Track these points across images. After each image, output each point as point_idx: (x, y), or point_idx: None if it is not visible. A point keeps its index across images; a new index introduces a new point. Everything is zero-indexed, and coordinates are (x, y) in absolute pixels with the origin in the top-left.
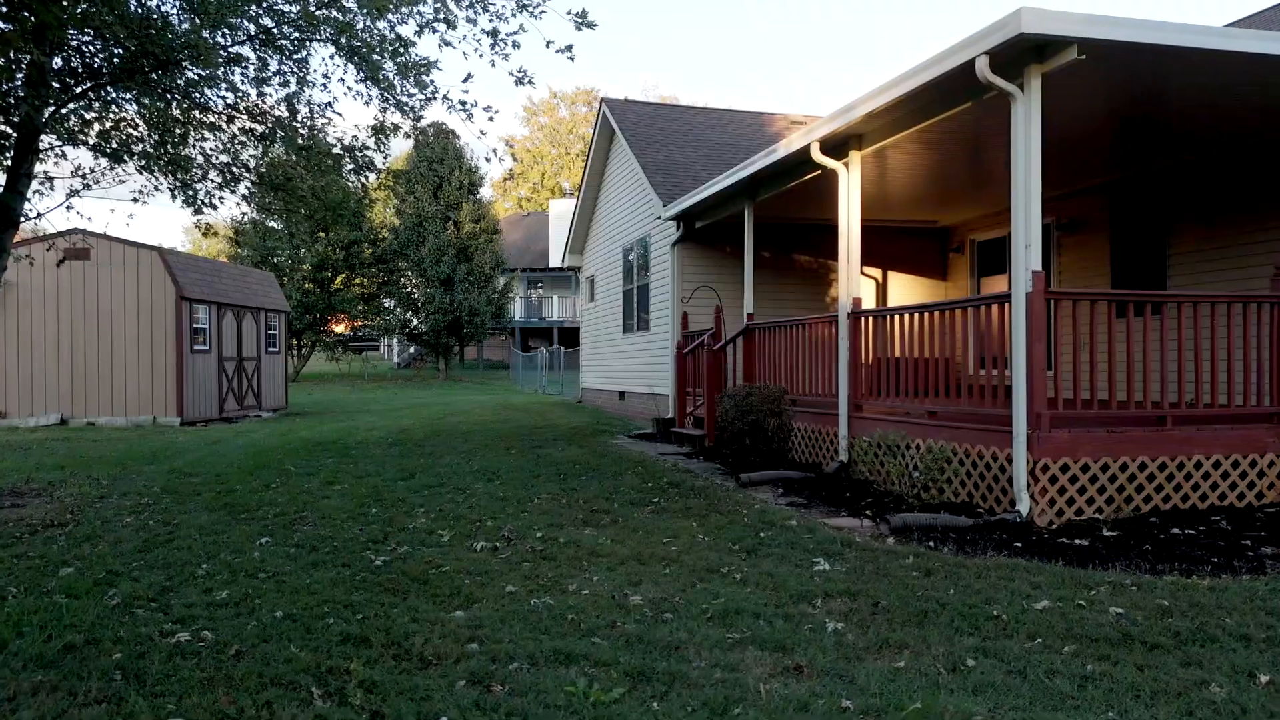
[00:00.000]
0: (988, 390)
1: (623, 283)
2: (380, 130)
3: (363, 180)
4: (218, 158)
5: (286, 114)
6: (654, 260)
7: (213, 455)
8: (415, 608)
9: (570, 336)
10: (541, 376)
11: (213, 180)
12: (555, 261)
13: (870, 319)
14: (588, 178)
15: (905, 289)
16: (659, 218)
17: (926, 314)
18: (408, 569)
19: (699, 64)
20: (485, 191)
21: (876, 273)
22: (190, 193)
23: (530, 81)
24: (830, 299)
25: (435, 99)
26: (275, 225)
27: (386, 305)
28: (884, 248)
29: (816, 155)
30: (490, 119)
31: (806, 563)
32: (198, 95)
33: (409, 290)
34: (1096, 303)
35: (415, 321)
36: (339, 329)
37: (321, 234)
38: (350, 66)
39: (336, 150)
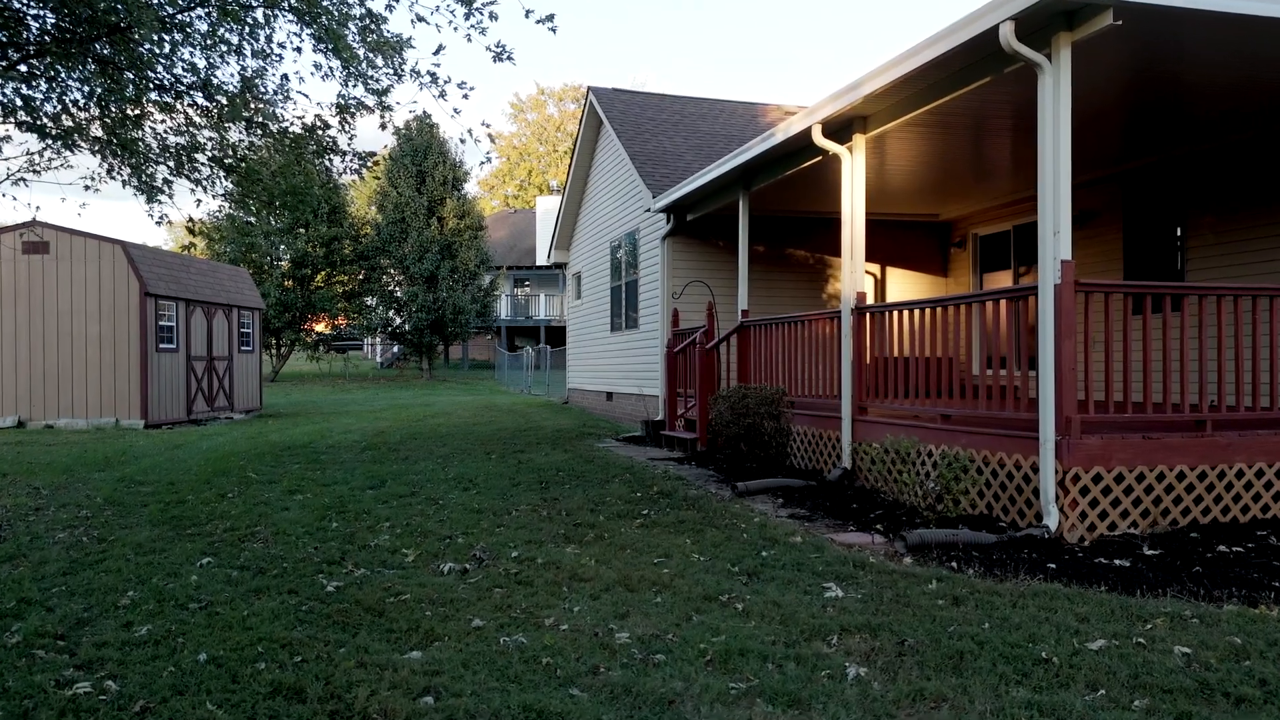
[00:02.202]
0: (1009, 392)
1: (610, 279)
2: (345, 109)
3: (327, 164)
4: (169, 139)
5: (239, 87)
6: (643, 255)
7: (170, 461)
8: (365, 647)
9: (558, 336)
10: (527, 377)
11: (167, 165)
12: (542, 259)
13: (876, 315)
14: (574, 170)
15: (905, 285)
16: (648, 210)
17: (939, 309)
18: (362, 597)
19: (688, 63)
20: (470, 187)
21: (875, 268)
22: (143, 178)
23: (509, 57)
24: (828, 295)
25: (404, 75)
26: (237, 215)
27: (369, 304)
28: (883, 242)
29: (818, 138)
30: (465, 96)
31: (816, 588)
32: (150, 72)
33: (391, 288)
34: (1130, 296)
35: (398, 320)
36: (320, 327)
37: (301, 230)
38: (308, 35)
39: (295, 129)
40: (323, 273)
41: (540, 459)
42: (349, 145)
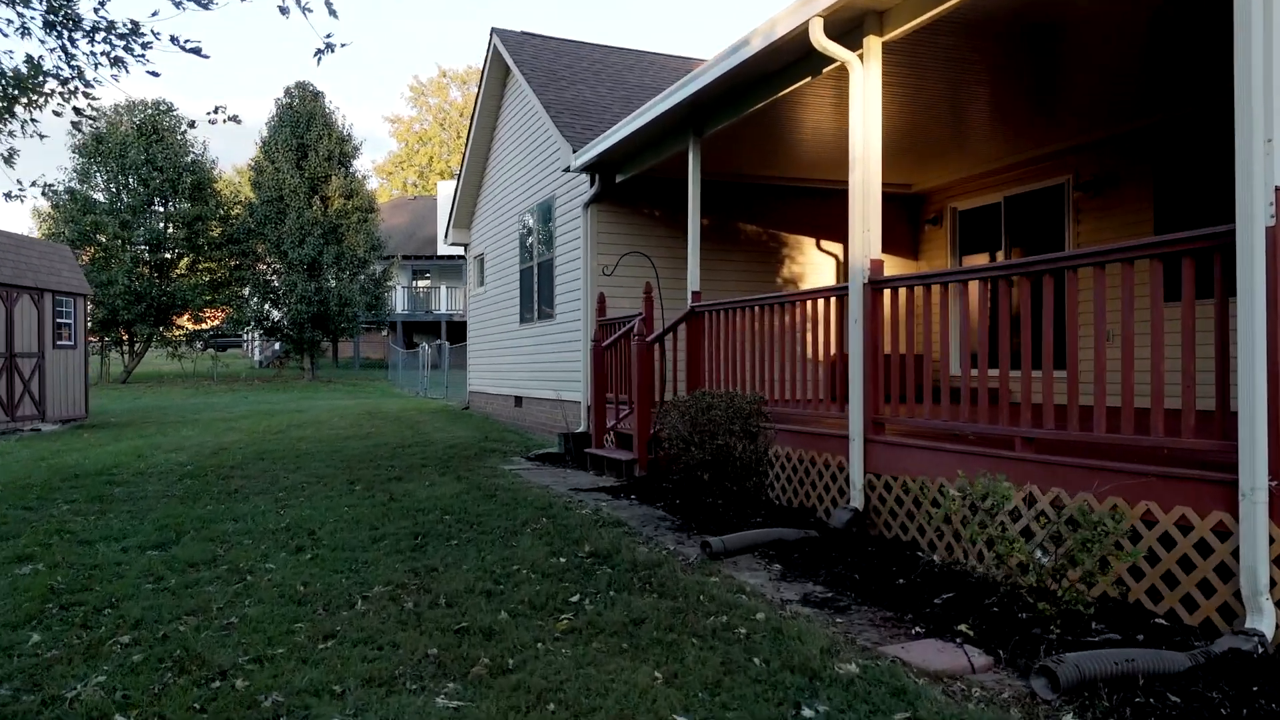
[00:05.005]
0: (1153, 402)
1: (520, 260)
2: None
3: None
4: None
5: None
6: (560, 228)
7: None
8: None
9: (462, 332)
10: (423, 377)
11: None
12: (443, 248)
13: (901, 292)
14: (475, 132)
15: None
16: (568, 169)
17: (1016, 280)
18: None
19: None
20: (361, 164)
21: (837, 248)
22: None
23: None
24: (784, 280)
25: None
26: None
27: (243, 294)
28: (842, 218)
29: (819, 39)
30: None
31: None
32: None
33: (268, 276)
34: None
35: (276, 314)
36: (183, 321)
37: (158, 208)
38: None
39: None
40: (186, 258)
41: (422, 492)
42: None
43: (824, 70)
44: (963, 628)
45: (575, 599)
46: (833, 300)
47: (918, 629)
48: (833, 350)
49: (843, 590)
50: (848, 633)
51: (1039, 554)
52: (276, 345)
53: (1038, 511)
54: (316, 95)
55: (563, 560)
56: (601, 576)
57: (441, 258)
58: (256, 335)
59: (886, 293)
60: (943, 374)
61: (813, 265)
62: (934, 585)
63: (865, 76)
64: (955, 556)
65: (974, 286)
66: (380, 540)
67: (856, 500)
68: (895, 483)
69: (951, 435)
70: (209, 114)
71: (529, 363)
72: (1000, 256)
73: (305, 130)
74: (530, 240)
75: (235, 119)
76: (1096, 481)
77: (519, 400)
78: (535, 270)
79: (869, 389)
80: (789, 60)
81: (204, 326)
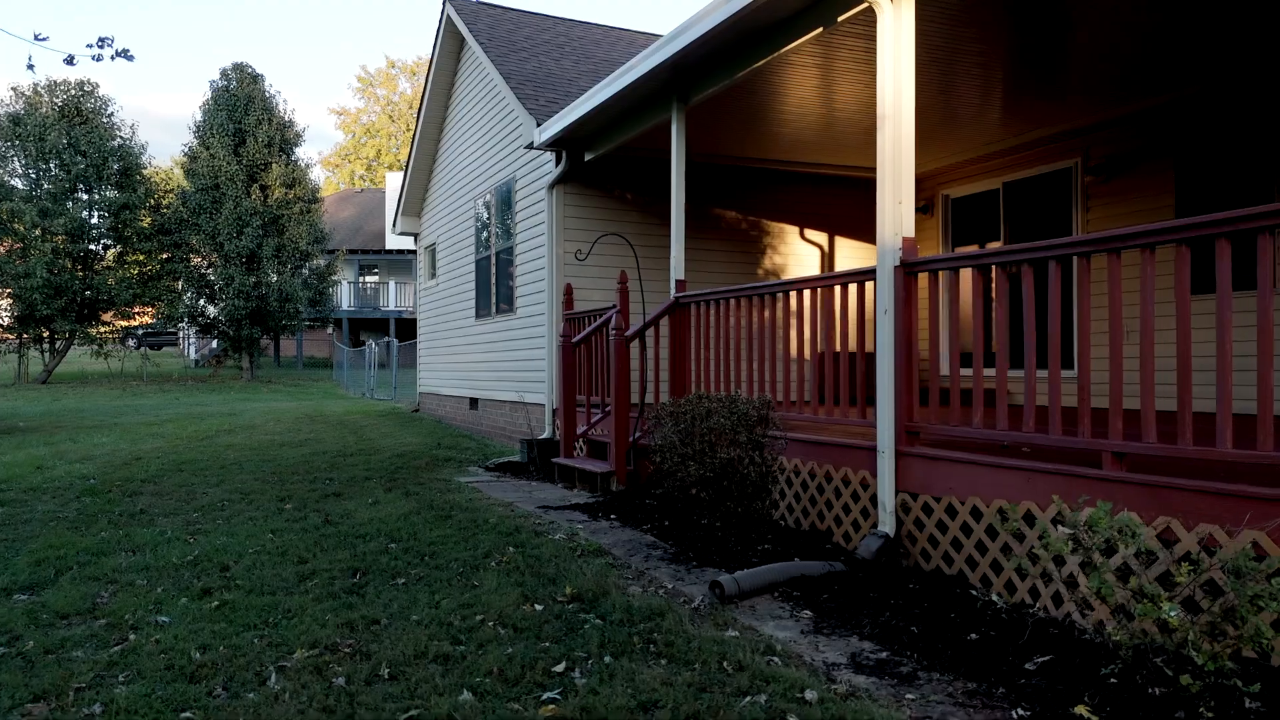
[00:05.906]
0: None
1: (476, 250)
2: None
3: None
4: None
5: None
6: (521, 213)
7: None
8: None
9: (413, 330)
10: (370, 377)
11: None
12: (391, 236)
13: (942, 276)
14: (427, 112)
15: (855, 262)
16: (530, 147)
17: (1104, 255)
18: None
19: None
20: (305, 151)
21: (821, 238)
22: None
23: None
24: (765, 271)
25: None
26: None
27: (175, 288)
28: (828, 206)
29: None
30: None
31: None
32: None
33: (204, 270)
34: None
35: (212, 310)
36: (110, 317)
37: (82, 195)
38: None
39: None
40: (113, 250)
41: (364, 513)
42: None
43: (840, 18)
44: (1081, 710)
45: (560, 668)
46: (852, 287)
47: (1020, 711)
48: (852, 346)
49: (900, 649)
50: (929, 718)
51: (1172, 610)
52: (214, 343)
53: (1140, 547)
54: (256, 78)
55: (539, 607)
56: (590, 632)
57: (390, 252)
58: (192, 333)
59: (922, 277)
60: (999, 375)
61: (796, 256)
62: (1016, 641)
63: (897, 18)
64: (1021, 597)
65: (1048, 268)
66: (309, 579)
67: (886, 524)
68: (937, 505)
69: (1003, 448)
70: (90, 45)
71: (486, 361)
72: (999, 246)
73: (243, 114)
74: (487, 227)
75: (125, 54)
76: (1250, 513)
77: (475, 402)
78: (493, 260)
79: (901, 392)
80: (799, 6)
81: (135, 323)
